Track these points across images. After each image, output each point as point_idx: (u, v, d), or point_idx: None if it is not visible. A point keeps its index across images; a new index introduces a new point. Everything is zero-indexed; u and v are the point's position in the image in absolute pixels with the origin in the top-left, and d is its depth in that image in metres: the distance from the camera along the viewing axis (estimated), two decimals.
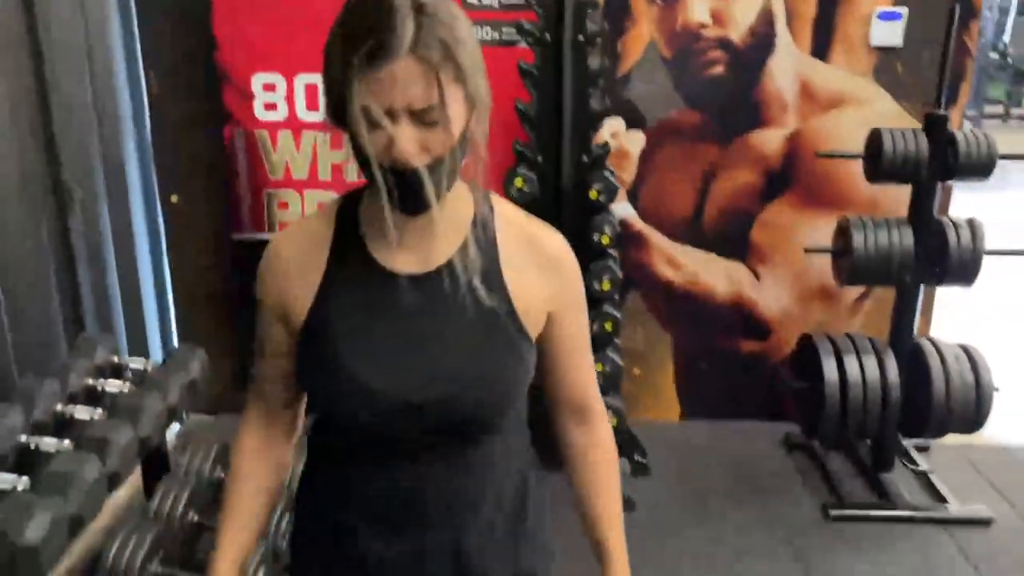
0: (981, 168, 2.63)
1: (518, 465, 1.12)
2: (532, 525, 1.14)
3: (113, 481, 1.82)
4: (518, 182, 2.67)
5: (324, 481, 1.12)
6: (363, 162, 0.95)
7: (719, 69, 3.05)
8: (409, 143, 0.90)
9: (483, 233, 1.02)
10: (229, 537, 1.14)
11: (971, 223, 2.72)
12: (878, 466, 3.02)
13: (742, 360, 3.35)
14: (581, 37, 2.60)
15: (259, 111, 3.11)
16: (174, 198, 3.24)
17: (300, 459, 1.20)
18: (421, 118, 0.90)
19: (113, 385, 2.14)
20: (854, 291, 3.26)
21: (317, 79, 3.01)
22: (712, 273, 3.24)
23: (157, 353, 3.34)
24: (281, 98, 3.11)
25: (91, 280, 2.72)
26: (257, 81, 3.07)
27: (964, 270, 2.71)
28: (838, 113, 3.07)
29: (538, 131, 2.69)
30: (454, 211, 1.01)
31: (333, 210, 1.06)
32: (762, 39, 3.01)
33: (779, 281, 3.25)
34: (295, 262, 1.04)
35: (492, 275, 1.02)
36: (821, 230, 3.06)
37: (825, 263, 3.02)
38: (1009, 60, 10.19)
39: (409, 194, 0.94)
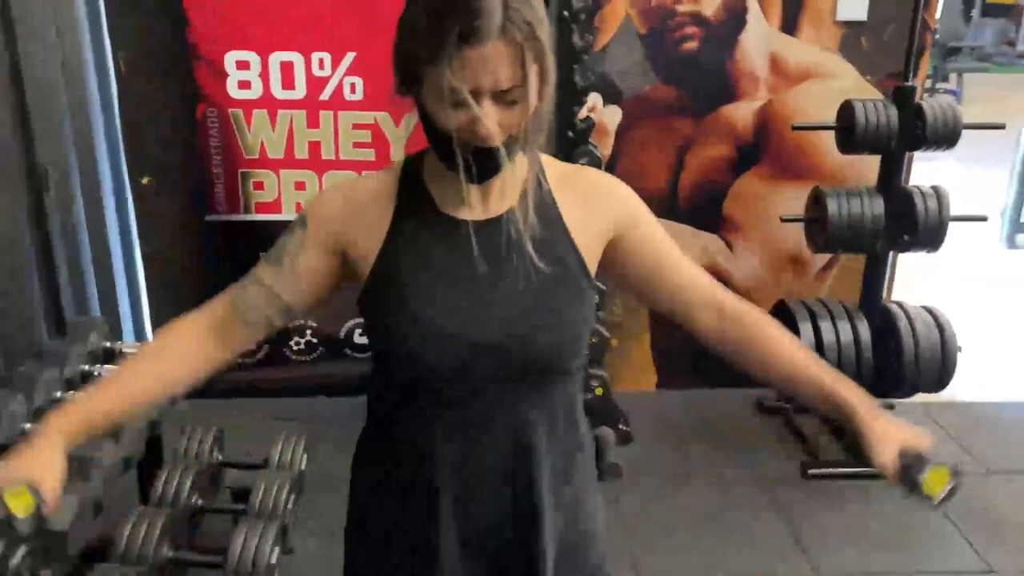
0: (947, 138, 2.74)
1: (577, 419, 1.15)
2: (585, 484, 1.18)
3: (127, 464, 1.81)
4: None
5: (388, 436, 1.13)
6: (436, 135, 0.97)
7: (693, 44, 3.11)
8: (492, 123, 0.93)
9: (539, 184, 1.06)
10: (95, 397, 1.08)
11: (937, 191, 2.84)
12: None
13: None
14: (566, 13, 2.62)
15: (232, 90, 3.05)
16: (145, 180, 3.17)
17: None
18: (503, 98, 0.94)
19: (109, 370, 2.11)
20: (821, 260, 3.37)
21: (293, 57, 3.04)
22: (687, 245, 3.30)
23: (130, 338, 3.29)
24: (255, 76, 3.07)
25: (67, 263, 2.66)
26: (230, 59, 3.02)
27: (931, 236, 2.84)
28: (806, 86, 3.16)
29: None
30: (518, 164, 1.05)
31: (397, 169, 1.10)
32: (734, 14, 3.08)
33: (751, 251, 3.34)
34: (359, 210, 1.07)
35: (553, 220, 1.06)
36: (791, 201, 3.16)
37: (794, 233, 3.12)
38: (937, 36, 10.55)
39: (484, 169, 0.97)
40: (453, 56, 0.90)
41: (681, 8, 3.06)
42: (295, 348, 3.47)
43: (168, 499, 2.05)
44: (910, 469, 0.99)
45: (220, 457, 2.40)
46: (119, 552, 1.83)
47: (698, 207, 3.27)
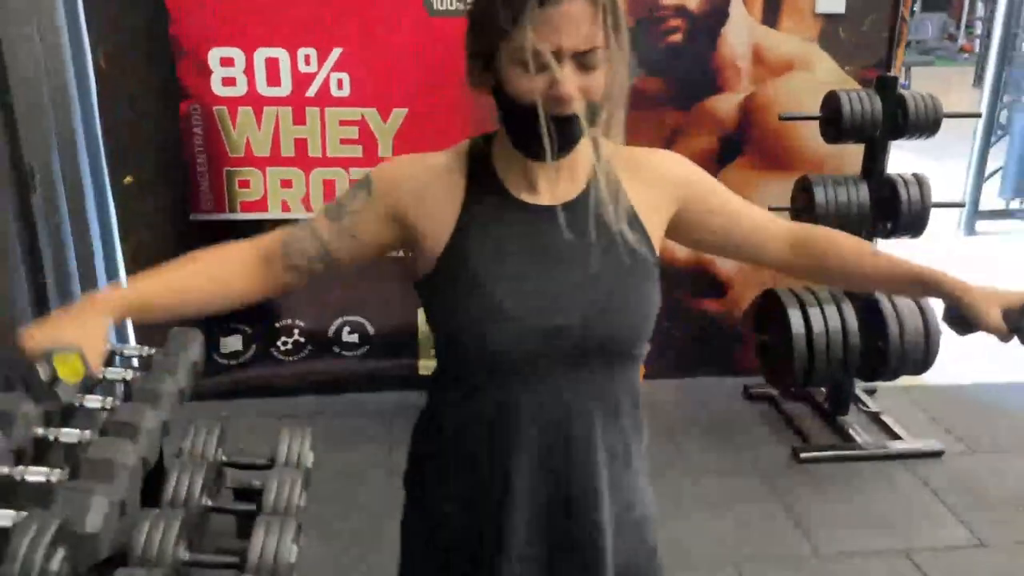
0: (929, 126, 2.82)
1: (638, 403, 1.16)
2: (643, 468, 1.19)
3: (145, 466, 1.77)
4: None
5: (455, 424, 1.12)
6: (514, 109, 0.97)
7: (677, 37, 3.15)
8: (572, 86, 0.94)
9: (604, 166, 1.08)
10: (144, 277, 1.06)
11: (918, 178, 2.93)
12: (836, 410, 3.23)
13: (702, 318, 3.50)
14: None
15: (217, 86, 3.00)
16: (127, 179, 3.10)
17: None
18: (583, 61, 0.95)
19: (113, 372, 2.07)
20: None
21: (278, 53, 3.01)
22: None
23: (113, 339, 3.22)
24: (240, 73, 3.02)
25: (53, 261, 2.60)
26: (214, 55, 2.97)
27: (914, 222, 2.92)
28: (788, 77, 3.22)
29: None
30: (580, 155, 1.06)
31: (463, 151, 1.10)
32: (717, 7, 3.12)
33: None
34: (430, 188, 1.07)
35: (621, 203, 1.07)
36: (774, 190, 3.21)
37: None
38: None
39: (563, 140, 0.98)
40: (536, 13, 0.91)
41: (665, 1, 3.10)
42: (283, 348, 3.43)
43: (180, 500, 2.01)
44: (1016, 313, 1.05)
45: (223, 457, 2.36)
46: (136, 555, 1.79)
47: None
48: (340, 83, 3.08)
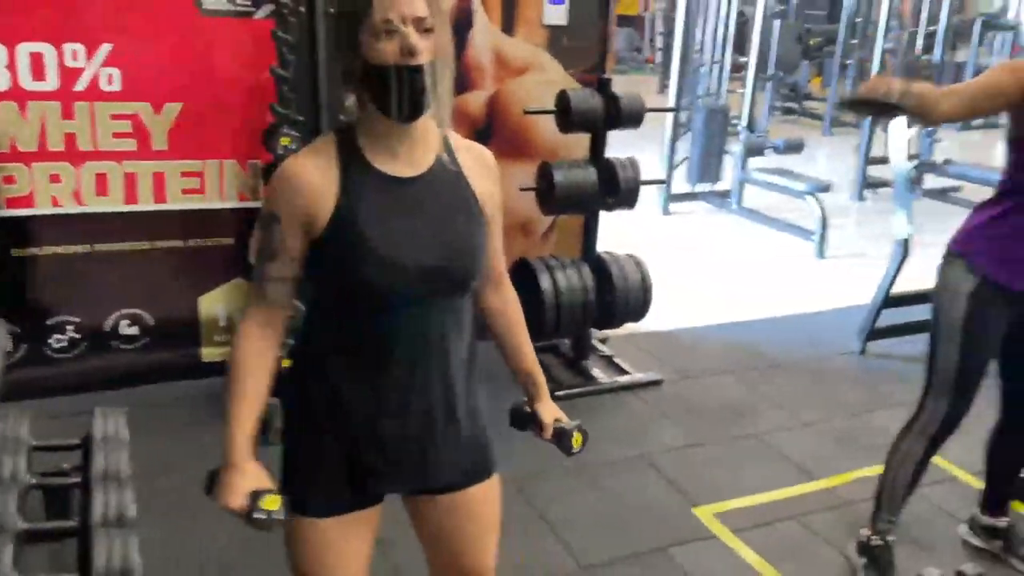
0: (636, 119, 3.51)
1: (471, 324, 1.55)
2: (474, 371, 1.58)
3: None
4: (285, 140, 2.96)
5: (340, 346, 1.43)
6: (376, 72, 1.30)
7: None
8: (418, 41, 1.29)
9: (447, 145, 1.44)
10: (241, 418, 1.40)
11: (631, 161, 3.61)
12: (579, 356, 3.85)
13: None
14: (331, 9, 2.95)
15: None
16: None
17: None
18: (421, 25, 1.29)
19: None
20: (544, 224, 4.04)
21: (43, 48, 3.03)
22: None
23: None
24: (1, 68, 2.99)
25: None
26: None
27: (630, 197, 3.60)
28: (524, 78, 3.79)
29: (298, 93, 2.99)
30: (429, 134, 1.41)
31: (332, 139, 1.40)
32: (464, 14, 3.60)
33: None
34: (315, 182, 1.36)
35: (460, 177, 1.45)
36: (517, 176, 3.75)
37: (524, 203, 3.73)
38: None
39: (418, 87, 1.30)
40: None
41: None
42: (56, 346, 3.39)
43: (9, 476, 2.08)
44: (563, 434, 1.66)
45: (34, 441, 2.42)
46: None
47: None
48: (111, 78, 3.15)
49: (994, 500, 2.63)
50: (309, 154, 1.40)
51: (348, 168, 1.38)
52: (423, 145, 1.41)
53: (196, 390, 3.47)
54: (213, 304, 3.57)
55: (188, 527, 2.59)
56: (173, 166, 3.32)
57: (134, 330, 3.49)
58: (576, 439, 1.65)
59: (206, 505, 1.39)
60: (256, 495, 1.34)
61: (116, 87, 3.16)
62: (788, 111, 12.29)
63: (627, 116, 3.49)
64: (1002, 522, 2.63)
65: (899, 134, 3.85)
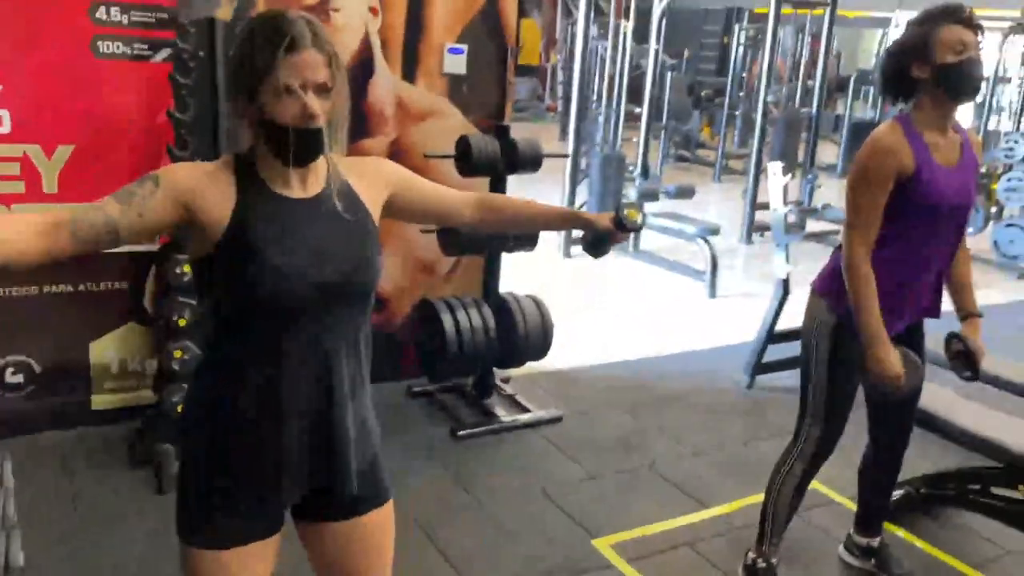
0: (534, 163, 3.65)
1: (368, 340, 1.60)
2: (366, 391, 1.64)
3: None
4: None
5: (237, 361, 1.45)
6: (274, 129, 1.38)
7: None
8: (316, 105, 1.38)
9: (336, 170, 1.51)
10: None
11: None
12: (481, 395, 3.92)
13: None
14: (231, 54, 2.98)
15: None
16: None
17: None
18: (320, 91, 1.38)
19: None
20: (447, 264, 4.12)
21: None
22: None
23: None
24: None
25: None
26: None
27: (529, 240, 3.72)
28: (425, 124, 3.89)
29: (196, 136, 3.00)
30: (321, 160, 1.49)
31: (229, 163, 1.46)
32: (364, 62, 3.69)
33: (391, 260, 3.96)
34: (207, 187, 1.40)
35: (351, 194, 1.52)
36: None
37: (425, 243, 3.81)
38: None
39: (310, 149, 1.40)
40: (285, 60, 1.34)
41: None
42: None
43: None
44: (617, 212, 1.68)
45: None
46: None
47: None
48: (0, 120, 3.08)
49: (867, 521, 2.81)
50: (209, 166, 1.46)
51: (244, 186, 1.44)
52: (315, 171, 1.49)
53: (87, 435, 3.38)
54: (105, 350, 3.48)
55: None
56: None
57: (19, 378, 3.37)
58: (631, 214, 1.67)
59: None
60: None
61: (6, 129, 3.10)
62: (681, 158, 12.83)
63: (525, 160, 3.63)
64: (875, 542, 2.81)
65: (776, 181, 4.12)
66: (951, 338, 2.45)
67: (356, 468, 1.57)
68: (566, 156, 3.65)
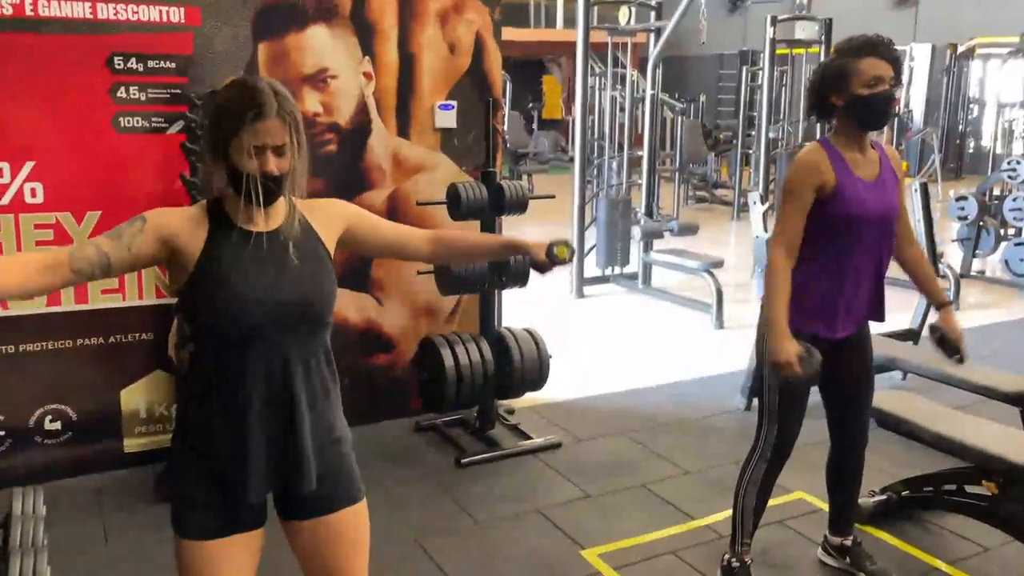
0: (520, 206, 3.92)
1: (329, 359, 1.85)
2: (335, 406, 1.88)
3: None
4: None
5: (211, 380, 1.71)
6: (240, 177, 1.66)
7: (332, 147, 3.98)
8: (274, 164, 1.66)
9: (294, 210, 1.77)
10: None
11: None
12: (484, 426, 4.14)
13: (376, 373, 4.26)
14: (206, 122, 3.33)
15: None
16: None
17: None
18: (279, 152, 1.66)
19: None
20: (449, 304, 4.38)
21: None
22: (346, 305, 4.11)
23: None
24: None
25: None
26: None
27: (520, 278, 3.98)
28: (420, 176, 4.20)
29: (206, 197, 3.33)
30: (282, 201, 1.76)
31: (203, 205, 1.74)
32: (361, 123, 4.02)
33: (396, 305, 4.24)
34: (185, 225, 1.68)
35: (309, 231, 1.78)
36: (420, 262, 4.12)
37: (427, 286, 4.09)
38: (507, 145, 12.90)
39: (272, 190, 1.68)
40: (252, 127, 1.62)
41: (320, 120, 3.93)
42: None
43: None
44: (550, 247, 1.90)
45: None
46: None
47: (353, 271, 4.10)
48: (34, 191, 3.45)
49: (838, 521, 2.96)
50: (189, 209, 1.75)
51: (215, 225, 1.71)
52: (275, 210, 1.75)
53: (119, 479, 3.66)
54: (134, 397, 3.79)
55: None
56: None
57: (56, 425, 3.68)
58: (560, 251, 1.88)
59: None
60: None
61: (39, 199, 3.47)
62: (701, 199, 13.06)
63: (511, 204, 3.90)
64: (848, 540, 2.95)
65: (756, 210, 4.34)
66: (932, 329, 2.70)
67: (318, 470, 1.79)
68: (550, 197, 3.93)
